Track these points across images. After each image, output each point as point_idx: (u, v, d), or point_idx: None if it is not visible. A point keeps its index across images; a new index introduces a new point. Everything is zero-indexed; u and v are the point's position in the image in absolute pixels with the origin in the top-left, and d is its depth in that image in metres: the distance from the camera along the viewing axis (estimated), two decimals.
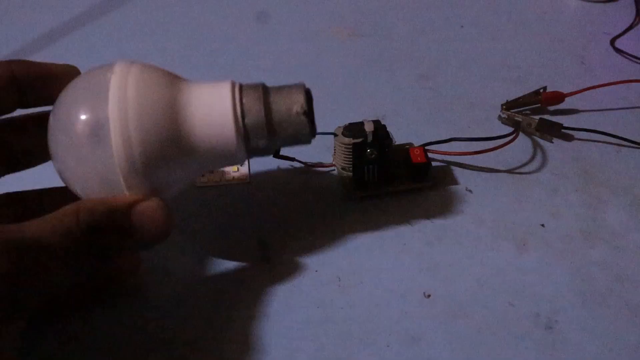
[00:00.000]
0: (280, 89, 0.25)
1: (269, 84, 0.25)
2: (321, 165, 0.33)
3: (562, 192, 0.32)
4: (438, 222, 0.30)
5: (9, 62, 0.24)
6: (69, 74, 0.24)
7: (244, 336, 0.25)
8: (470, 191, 0.32)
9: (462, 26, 0.47)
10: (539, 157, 0.35)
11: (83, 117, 0.21)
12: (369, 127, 0.30)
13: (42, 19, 0.49)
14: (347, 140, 0.30)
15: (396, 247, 0.29)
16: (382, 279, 0.27)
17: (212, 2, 0.53)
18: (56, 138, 0.22)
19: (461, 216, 0.31)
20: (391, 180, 0.32)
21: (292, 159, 0.32)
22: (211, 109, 0.23)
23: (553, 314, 0.26)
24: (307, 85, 0.25)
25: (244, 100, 0.23)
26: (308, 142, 0.25)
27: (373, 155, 0.30)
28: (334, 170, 0.33)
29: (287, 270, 0.28)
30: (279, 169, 0.34)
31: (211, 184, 0.32)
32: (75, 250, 0.20)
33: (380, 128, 0.30)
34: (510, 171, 0.34)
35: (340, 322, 0.25)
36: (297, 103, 0.24)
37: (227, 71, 0.43)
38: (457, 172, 0.34)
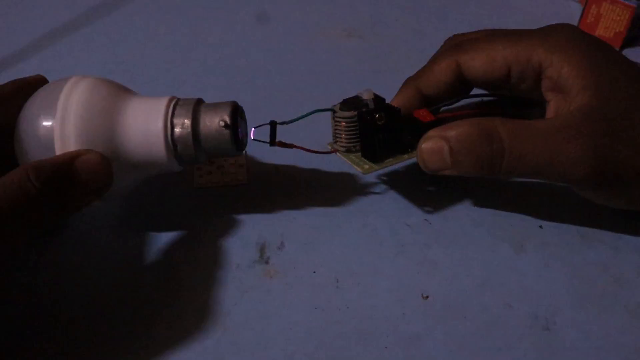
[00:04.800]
0: (211, 105, 0.27)
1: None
2: (322, 152, 0.30)
3: (559, 194, 0.32)
4: (436, 224, 0.30)
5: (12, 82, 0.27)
6: (41, 82, 0.28)
7: (242, 337, 0.25)
8: (468, 192, 0.32)
9: (459, 28, 0.47)
10: None
11: (37, 122, 0.25)
12: (368, 95, 0.28)
13: (40, 19, 0.49)
14: (349, 113, 0.29)
15: (394, 248, 0.29)
16: (380, 281, 0.27)
17: (212, 3, 0.53)
18: (19, 138, 0.25)
19: (459, 217, 0.31)
20: (403, 149, 0.30)
21: (292, 146, 0.29)
22: (146, 121, 0.26)
23: (551, 315, 0.26)
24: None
25: (175, 113, 0.26)
26: (233, 153, 0.27)
27: (382, 121, 0.28)
28: (336, 153, 0.30)
29: (285, 271, 0.28)
30: (276, 170, 0.34)
31: (209, 185, 0.32)
32: (30, 202, 0.22)
33: (378, 96, 0.29)
34: None
35: (338, 324, 0.25)
36: (221, 117, 0.26)
37: (227, 71, 0.43)
38: None
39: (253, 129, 0.28)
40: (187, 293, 0.27)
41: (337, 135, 0.30)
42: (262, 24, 0.50)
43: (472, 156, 0.27)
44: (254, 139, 0.28)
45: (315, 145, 0.30)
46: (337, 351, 0.24)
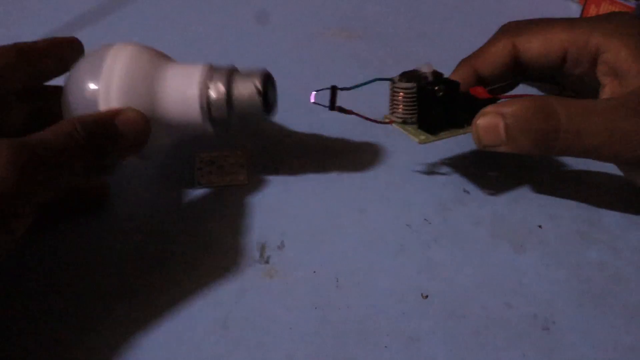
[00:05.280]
0: (244, 72, 0.29)
1: None
2: (379, 121, 0.31)
3: (559, 193, 0.32)
4: (435, 223, 0.30)
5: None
6: (74, 44, 0.30)
7: (242, 337, 0.25)
8: (467, 192, 0.32)
9: (459, 28, 0.47)
10: (537, 159, 0.35)
11: (84, 84, 0.27)
12: (428, 69, 0.29)
13: (46, 17, 0.49)
14: (408, 84, 0.29)
15: (394, 248, 0.29)
16: (380, 280, 0.27)
17: (211, 3, 0.53)
18: (67, 99, 0.28)
19: (458, 217, 0.31)
20: (459, 124, 0.30)
21: (350, 112, 0.30)
22: (183, 85, 0.28)
23: (550, 315, 0.26)
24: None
25: (211, 78, 0.28)
26: (264, 118, 0.29)
27: (441, 93, 0.29)
28: (389, 124, 0.31)
29: (285, 271, 0.28)
30: (277, 170, 0.34)
31: (209, 185, 0.32)
32: (77, 150, 0.24)
33: (436, 70, 0.29)
34: (507, 172, 0.34)
35: (338, 323, 0.25)
36: (253, 83, 0.28)
37: None
38: (454, 172, 0.34)
39: (314, 92, 0.30)
40: (187, 293, 0.27)
41: (394, 106, 0.31)
42: (261, 24, 0.50)
43: (527, 132, 0.27)
44: (314, 103, 0.30)
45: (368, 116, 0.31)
46: (337, 351, 0.24)
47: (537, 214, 0.31)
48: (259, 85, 0.28)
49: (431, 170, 0.34)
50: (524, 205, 0.31)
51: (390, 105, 0.31)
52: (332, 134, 0.36)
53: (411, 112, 0.30)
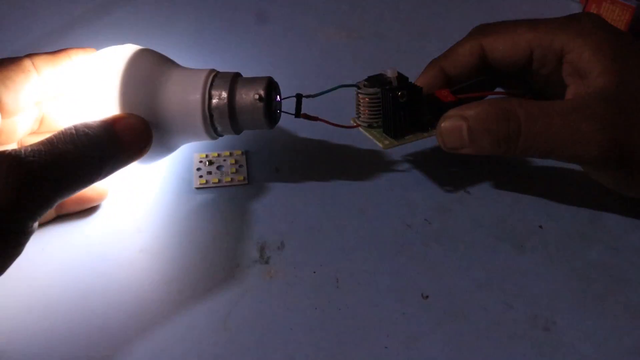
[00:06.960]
0: (247, 79, 0.28)
1: None
2: (345, 126, 0.31)
3: (559, 193, 0.32)
4: (436, 224, 0.30)
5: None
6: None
7: (242, 337, 0.25)
8: (467, 192, 0.32)
9: (459, 28, 0.47)
10: (536, 159, 0.35)
11: (85, 87, 0.27)
12: (392, 73, 0.29)
13: (41, 20, 0.49)
14: (372, 89, 0.30)
15: (394, 248, 0.29)
16: (380, 280, 0.27)
17: (211, 3, 0.53)
18: (68, 102, 0.27)
19: (459, 217, 0.31)
20: (423, 127, 0.31)
21: (315, 119, 0.30)
22: (185, 91, 0.27)
23: (551, 315, 0.26)
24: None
25: (214, 84, 0.28)
26: (266, 127, 0.29)
27: (404, 99, 0.29)
28: (358, 127, 0.31)
29: (285, 271, 0.28)
30: (277, 170, 0.34)
31: (210, 185, 0.32)
32: (76, 159, 0.23)
33: (401, 74, 0.30)
34: (508, 172, 0.34)
35: (338, 323, 0.25)
36: (256, 91, 0.28)
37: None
38: (455, 173, 0.34)
39: (279, 99, 0.30)
40: (187, 293, 0.27)
41: (360, 111, 0.31)
42: (261, 24, 0.50)
43: (489, 135, 0.27)
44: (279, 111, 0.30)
45: (338, 121, 0.31)
46: (337, 351, 0.24)
47: (537, 214, 0.31)
48: (262, 93, 0.27)
49: (431, 170, 0.34)
50: (524, 205, 0.31)
51: (356, 110, 0.31)
52: (332, 134, 0.36)
53: (376, 116, 0.31)
